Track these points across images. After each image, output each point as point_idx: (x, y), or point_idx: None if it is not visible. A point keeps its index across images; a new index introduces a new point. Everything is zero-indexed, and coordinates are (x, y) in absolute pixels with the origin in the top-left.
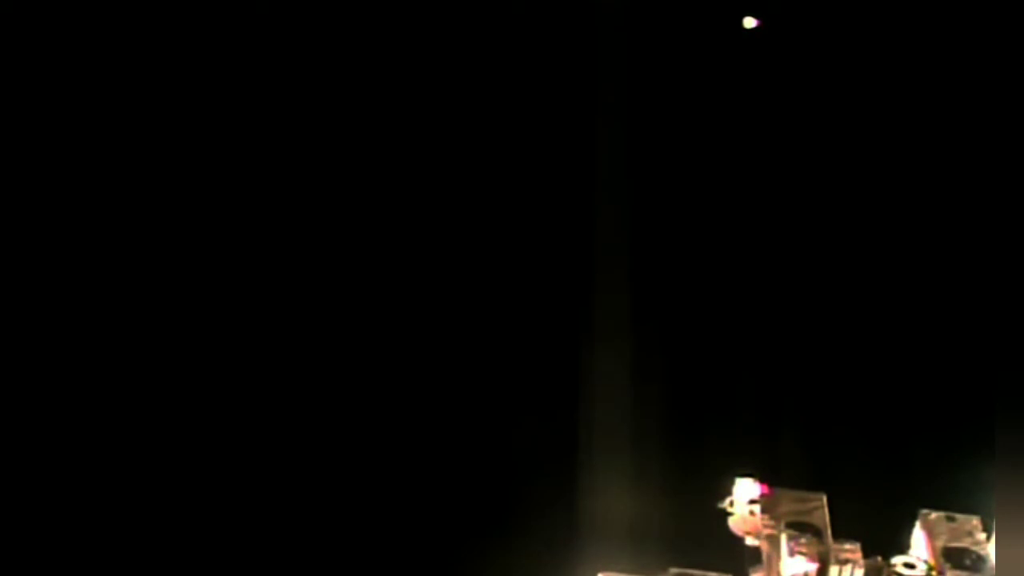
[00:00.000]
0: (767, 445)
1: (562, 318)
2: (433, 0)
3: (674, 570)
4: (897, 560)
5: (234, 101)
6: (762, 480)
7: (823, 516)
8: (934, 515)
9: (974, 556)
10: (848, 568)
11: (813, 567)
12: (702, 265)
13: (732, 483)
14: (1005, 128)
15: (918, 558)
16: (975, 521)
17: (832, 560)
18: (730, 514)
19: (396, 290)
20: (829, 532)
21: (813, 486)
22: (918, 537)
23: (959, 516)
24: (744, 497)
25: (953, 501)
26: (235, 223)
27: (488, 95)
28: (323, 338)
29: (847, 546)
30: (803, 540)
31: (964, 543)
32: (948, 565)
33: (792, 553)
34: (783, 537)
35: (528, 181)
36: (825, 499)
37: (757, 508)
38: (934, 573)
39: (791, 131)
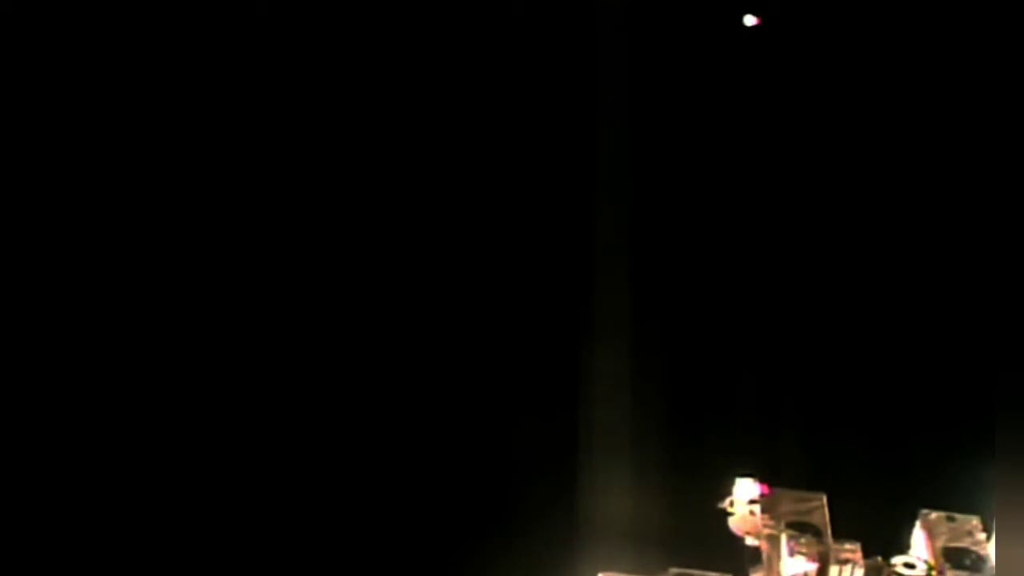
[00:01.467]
0: (767, 445)
1: (562, 318)
2: (433, 0)
3: (674, 570)
4: (897, 560)
5: (234, 101)
6: (762, 480)
7: (823, 516)
8: (934, 515)
9: (974, 556)
10: (848, 568)
11: (813, 567)
12: (702, 265)
13: (732, 483)
14: (1005, 128)
15: (918, 558)
16: (975, 521)
17: (832, 560)
18: (730, 514)
19: (396, 291)
20: (829, 532)
21: (813, 486)
22: (918, 537)
23: (959, 516)
24: (744, 497)
25: (953, 501)
26: (235, 223)
27: (489, 95)
28: (323, 339)
29: (847, 546)
30: (803, 540)
31: (964, 543)
32: (948, 565)
33: (792, 553)
34: (783, 537)
35: (528, 181)
36: (825, 499)
37: (757, 508)
38: (934, 573)
39: (791, 130)
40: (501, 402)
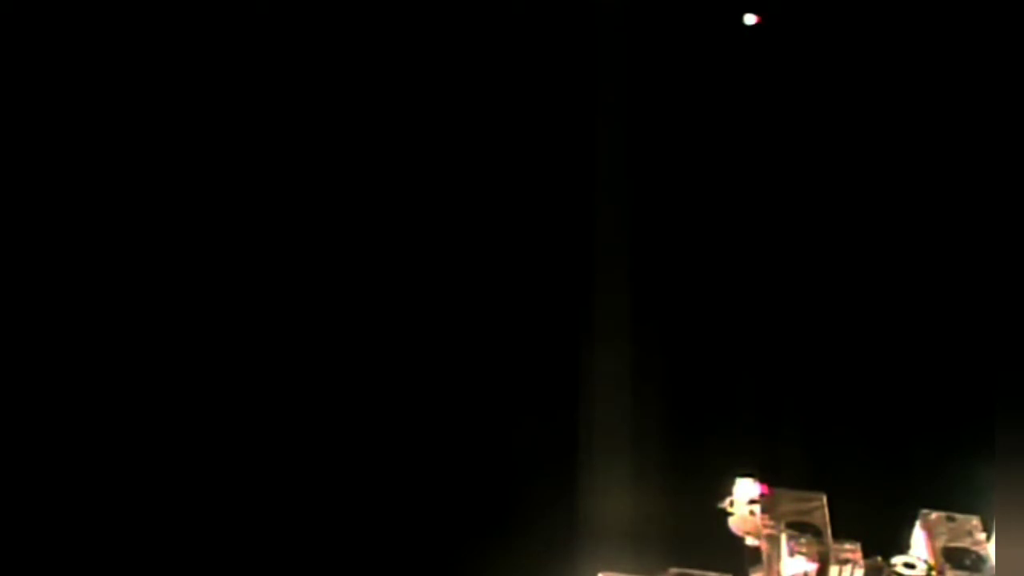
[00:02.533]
0: (767, 445)
1: (562, 318)
2: (433, 0)
3: (674, 570)
4: (897, 560)
5: (234, 101)
6: (762, 480)
7: (823, 516)
8: (934, 515)
9: (974, 556)
10: (848, 568)
11: (813, 567)
12: (702, 265)
13: (732, 483)
14: (1005, 128)
15: (918, 558)
16: (975, 521)
17: (832, 560)
18: (730, 514)
19: (396, 291)
20: (829, 532)
21: (813, 486)
22: (918, 537)
23: (959, 516)
24: (744, 497)
25: (953, 501)
26: (235, 223)
27: (489, 95)
28: (324, 339)
29: (847, 546)
30: (803, 540)
31: (964, 543)
32: (948, 565)
33: (792, 553)
34: (783, 537)
35: (529, 181)
36: (825, 499)
37: (757, 508)
38: (934, 573)
39: (791, 130)
40: (501, 402)
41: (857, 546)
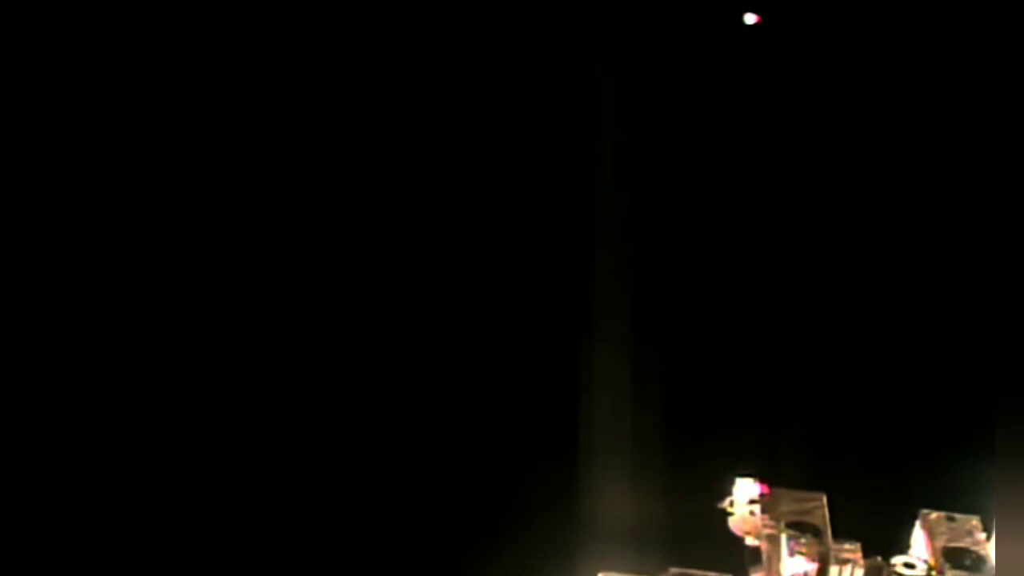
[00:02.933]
0: (767, 445)
1: (562, 318)
2: (433, 1)
3: (674, 570)
4: (897, 560)
5: (234, 101)
6: (762, 480)
7: (823, 516)
8: (934, 515)
9: (974, 556)
10: (848, 568)
11: (813, 567)
12: (701, 265)
13: (732, 483)
14: (1005, 128)
15: (918, 558)
16: (975, 521)
17: (832, 560)
18: (730, 514)
19: (396, 291)
20: (829, 532)
21: (813, 486)
22: (918, 537)
23: (959, 516)
24: (744, 497)
25: (953, 501)
26: (235, 224)
27: (489, 95)
28: (323, 340)
29: (847, 546)
30: (803, 540)
31: (964, 543)
32: (948, 565)
33: (792, 553)
34: (783, 537)
35: (529, 182)
36: (825, 499)
37: (757, 508)
38: (934, 573)
39: (791, 130)
40: (501, 403)
41: (857, 546)
